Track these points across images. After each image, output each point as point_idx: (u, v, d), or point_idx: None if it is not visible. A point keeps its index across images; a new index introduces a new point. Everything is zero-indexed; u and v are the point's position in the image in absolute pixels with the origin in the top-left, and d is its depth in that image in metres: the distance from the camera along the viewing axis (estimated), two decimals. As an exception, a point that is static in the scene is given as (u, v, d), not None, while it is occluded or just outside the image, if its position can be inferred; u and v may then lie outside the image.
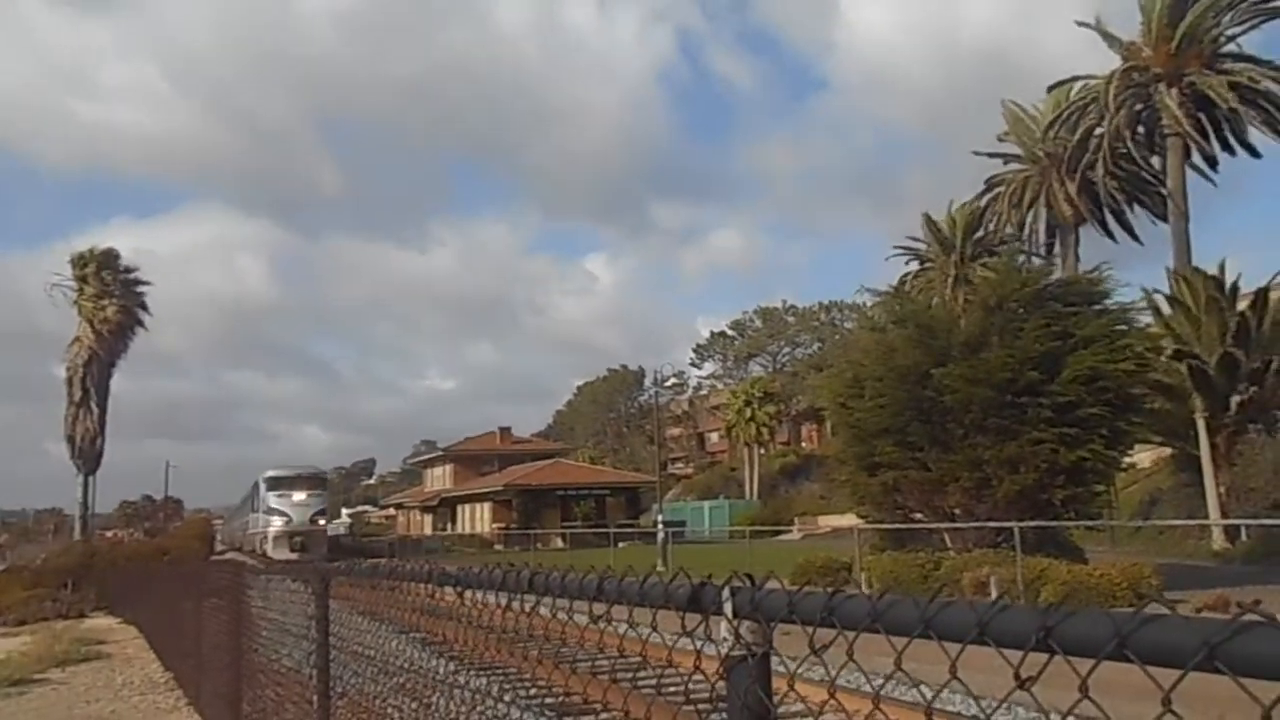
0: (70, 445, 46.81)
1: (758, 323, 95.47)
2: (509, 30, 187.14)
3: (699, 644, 1.68)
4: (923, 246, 52.52)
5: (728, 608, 1.61)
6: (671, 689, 2.12)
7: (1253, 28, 40.04)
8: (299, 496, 45.52)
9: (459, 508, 69.57)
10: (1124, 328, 19.77)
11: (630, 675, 2.00)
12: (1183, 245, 39.29)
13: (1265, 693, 0.92)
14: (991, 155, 49.26)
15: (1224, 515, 25.74)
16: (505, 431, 77.91)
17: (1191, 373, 25.92)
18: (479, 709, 3.06)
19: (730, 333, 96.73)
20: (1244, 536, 25.89)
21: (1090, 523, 20.39)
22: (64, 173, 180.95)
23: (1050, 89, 45.44)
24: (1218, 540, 26.83)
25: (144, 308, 48.58)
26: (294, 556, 36.25)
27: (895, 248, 54.32)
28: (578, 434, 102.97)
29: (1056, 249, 46.56)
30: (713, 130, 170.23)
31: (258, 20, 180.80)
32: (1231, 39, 40.02)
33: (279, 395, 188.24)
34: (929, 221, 51.42)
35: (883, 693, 1.39)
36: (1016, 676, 1.13)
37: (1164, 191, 41.76)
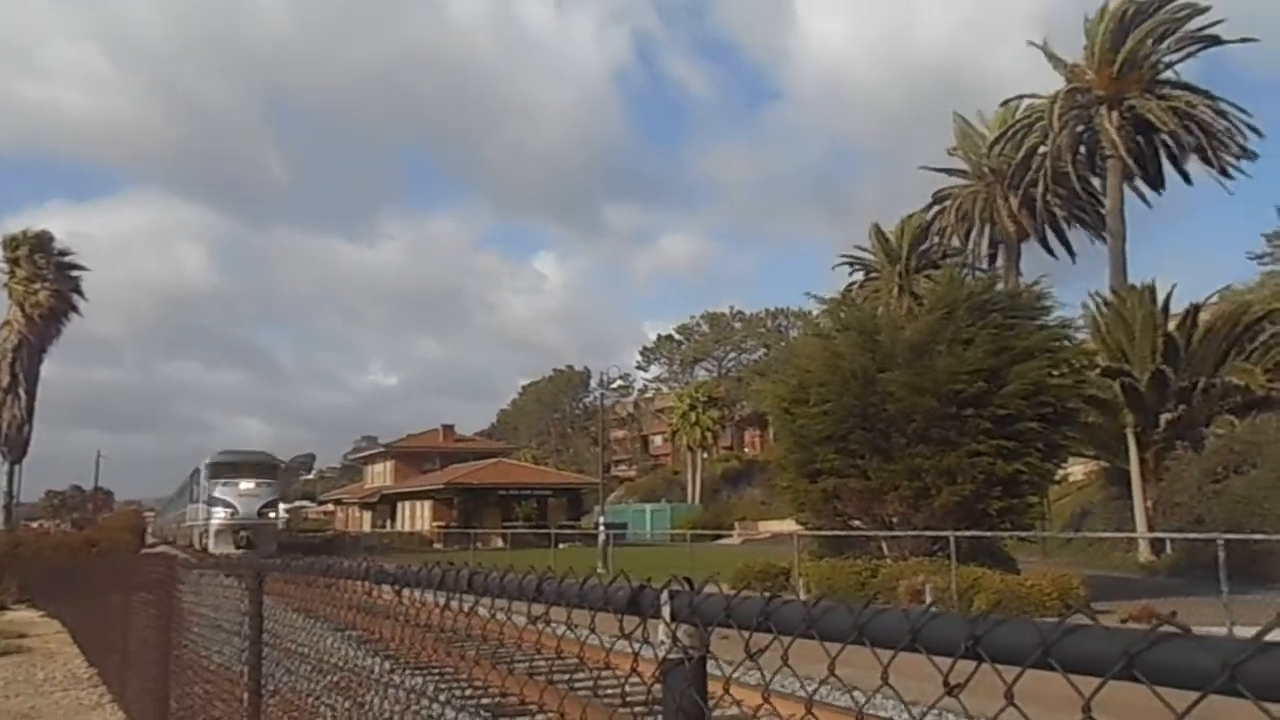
0: (-5, 432, 45.44)
1: (705, 328, 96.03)
2: (465, 23, 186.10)
3: (637, 647, 1.69)
4: (869, 257, 53.28)
5: (666, 611, 1.63)
6: (608, 691, 2.12)
7: (1189, 55, 41.22)
8: (246, 485, 41.13)
9: (399, 505, 68.87)
10: (1065, 343, 20.24)
11: (567, 677, 2.00)
12: (1119, 264, 40.28)
13: (1179, 701, 0.95)
14: (939, 170, 50.16)
15: (1150, 529, 26.43)
16: (448, 429, 77.34)
17: (1124, 389, 26.58)
18: (414, 708, 3.04)
19: (677, 337, 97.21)
20: (1169, 550, 26.61)
21: (1023, 533, 20.79)
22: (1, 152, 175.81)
23: (1002, 105, 46.40)
24: (1144, 553, 27.53)
25: (78, 292, 47.31)
26: (237, 552, 33.78)
27: (842, 257, 55.11)
28: (521, 434, 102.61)
29: (1000, 263, 47.44)
30: (667, 134, 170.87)
31: (205, 1, 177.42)
32: (1169, 66, 41.17)
33: (217, 386, 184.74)
34: (878, 232, 52.17)
35: (816, 697, 1.41)
36: (945, 683, 1.16)
37: (1103, 211, 42.79)
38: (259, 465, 43.44)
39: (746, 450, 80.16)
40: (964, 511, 18.66)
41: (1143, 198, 42.70)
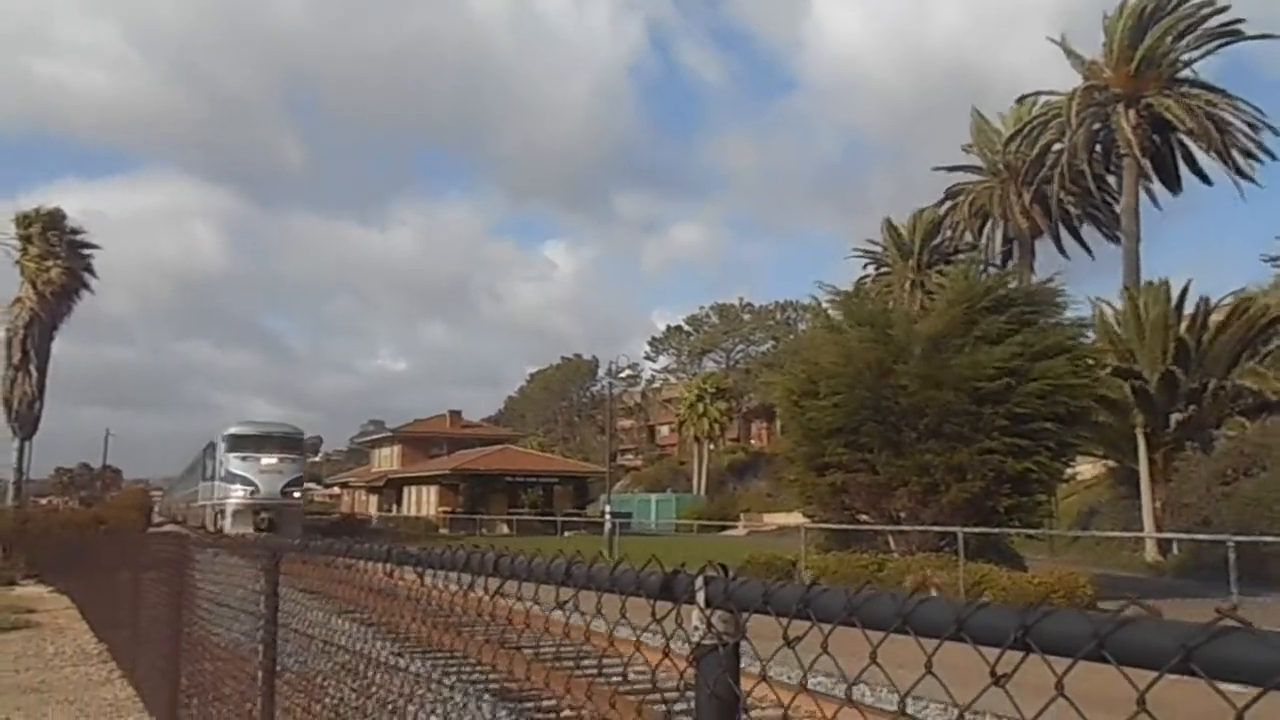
0: (6, 408, 45.58)
1: (714, 319, 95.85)
2: (481, 13, 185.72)
3: (669, 632, 1.69)
4: (881, 250, 53.12)
5: (700, 596, 1.62)
6: (639, 677, 2.12)
7: (1208, 53, 40.95)
8: (269, 461, 36.74)
9: (405, 489, 69.02)
10: (1083, 341, 20.26)
11: (597, 662, 1.99)
12: (1133, 263, 40.09)
13: (1236, 698, 0.94)
14: (952, 169, 49.92)
15: (1158, 529, 26.38)
16: (455, 415, 77.44)
17: (1133, 390, 26.51)
18: (439, 697, 3.04)
19: (686, 328, 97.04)
20: (1175, 550, 26.57)
21: (1031, 531, 20.78)
22: (14, 129, 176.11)
23: (1018, 101, 46.15)
24: (1151, 553, 27.49)
25: (90, 271, 47.36)
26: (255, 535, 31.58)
27: (854, 250, 54.96)
28: (528, 421, 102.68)
29: (1012, 260, 47.28)
30: (680, 124, 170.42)
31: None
32: (1188, 64, 40.89)
33: (227, 367, 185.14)
34: (890, 226, 52.02)
35: (854, 695, 1.40)
36: (992, 673, 1.15)
37: (1117, 210, 42.59)
38: (283, 439, 38.65)
39: (753, 442, 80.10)
40: (973, 508, 18.64)
41: (1154, 198, 42.52)
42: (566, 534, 42.86)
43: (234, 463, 36.68)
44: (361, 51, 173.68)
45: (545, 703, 7.52)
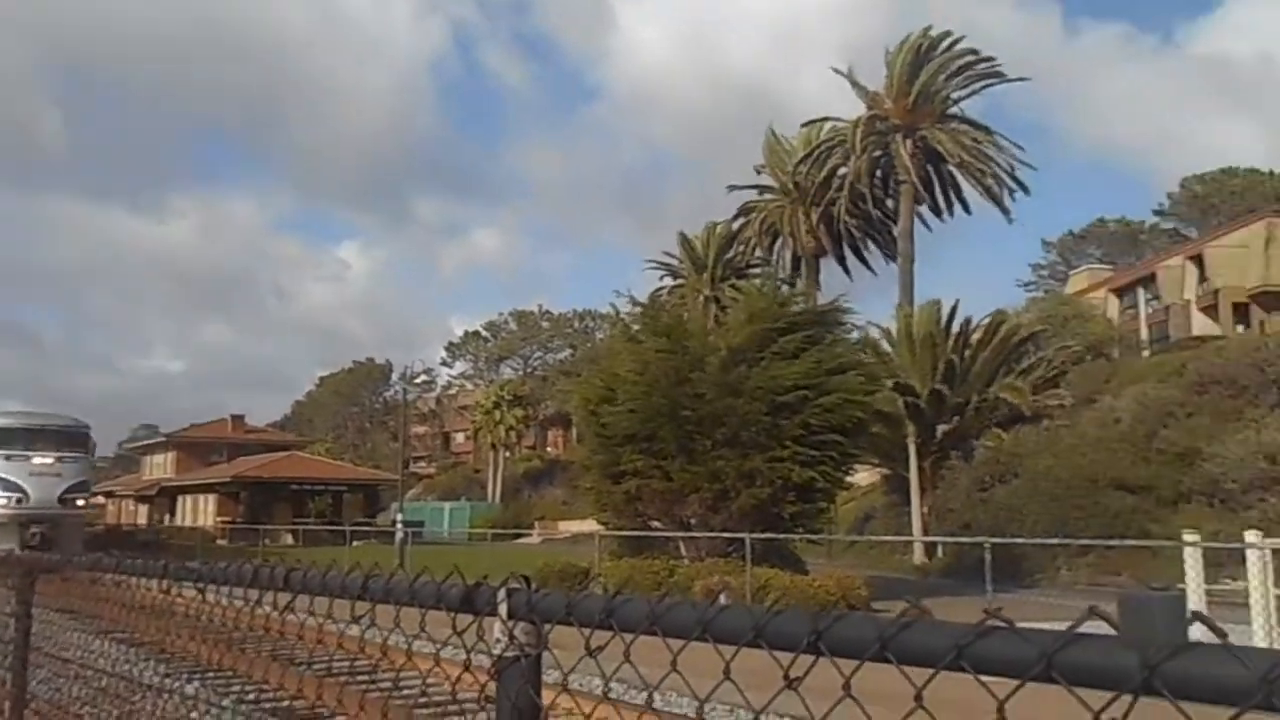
0: None
1: (512, 325, 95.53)
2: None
3: (470, 645, 1.67)
4: (676, 263, 54.52)
5: (503, 609, 1.62)
6: (436, 693, 2.08)
7: (974, 93, 44.65)
8: (42, 460, 30.28)
9: (180, 498, 64.85)
10: (870, 359, 21.59)
11: (393, 677, 1.95)
12: (907, 284, 42.99)
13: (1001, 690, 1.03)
14: (746, 187, 51.89)
15: (925, 533, 28.37)
16: (238, 419, 73.48)
17: (906, 405, 28.46)
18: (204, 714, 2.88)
19: (484, 333, 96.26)
20: (940, 553, 28.66)
21: (813, 536, 21.84)
22: None
23: (804, 125, 48.53)
24: (919, 555, 29.52)
25: None
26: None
27: (650, 262, 56.13)
28: (317, 427, 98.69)
29: (800, 278, 49.60)
30: (482, 128, 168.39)
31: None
32: (956, 101, 44.41)
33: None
34: (684, 240, 53.48)
35: (655, 702, 1.44)
36: (786, 677, 1.21)
37: (895, 232, 45.55)
38: (61, 433, 31.66)
39: (549, 450, 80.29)
40: (760, 514, 19.40)
41: (926, 224, 45.80)
42: (356, 543, 41.44)
43: None
44: (137, 27, 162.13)
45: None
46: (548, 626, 1.58)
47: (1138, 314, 50.16)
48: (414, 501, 66.08)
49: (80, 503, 31.71)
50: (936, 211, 45.71)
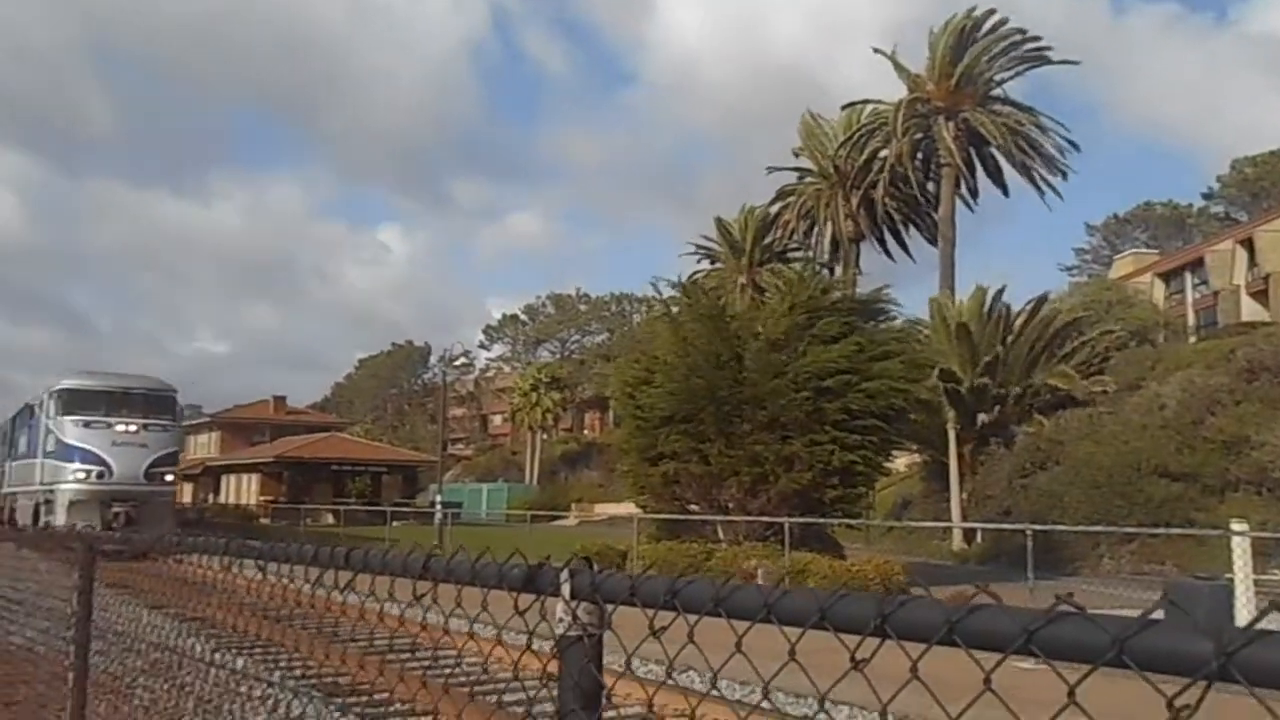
0: None
1: (550, 308, 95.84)
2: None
3: (532, 626, 1.70)
4: (714, 247, 54.36)
5: (566, 589, 1.64)
6: (500, 669, 2.12)
7: (1018, 75, 43.96)
8: (127, 427, 26.10)
9: (224, 477, 65.91)
10: (917, 345, 21.55)
11: (455, 657, 1.99)
12: (948, 269, 42.56)
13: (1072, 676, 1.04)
14: (784, 170, 51.56)
15: (964, 519, 28.17)
16: (280, 401, 74.47)
17: (948, 393, 28.26)
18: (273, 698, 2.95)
19: (522, 316, 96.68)
20: (979, 539, 28.45)
21: (852, 521, 21.78)
22: None
23: (844, 108, 48.07)
24: (957, 541, 29.32)
25: None
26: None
27: (689, 244, 55.99)
28: (357, 408, 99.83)
29: (838, 262, 49.26)
30: (520, 111, 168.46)
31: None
32: (1001, 83, 43.75)
33: (23, 345, 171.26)
34: (720, 224, 53.26)
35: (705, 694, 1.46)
36: (852, 659, 1.22)
37: (936, 216, 45.07)
38: (147, 396, 27.39)
39: (586, 432, 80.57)
40: (799, 499, 19.38)
41: (970, 206, 45.31)
42: (395, 524, 41.89)
43: (71, 430, 25.85)
44: (183, 12, 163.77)
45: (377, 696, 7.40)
46: (610, 607, 1.61)
47: (1185, 299, 49.26)
48: (452, 483, 66.71)
49: (169, 478, 27.38)
50: (976, 194, 45.21)
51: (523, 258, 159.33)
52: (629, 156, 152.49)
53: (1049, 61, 43.42)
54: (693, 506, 21.69)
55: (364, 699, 7.33)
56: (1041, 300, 32.84)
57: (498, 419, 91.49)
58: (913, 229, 47.78)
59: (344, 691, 7.35)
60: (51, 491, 25.70)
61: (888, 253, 48.29)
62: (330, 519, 50.85)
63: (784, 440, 19.45)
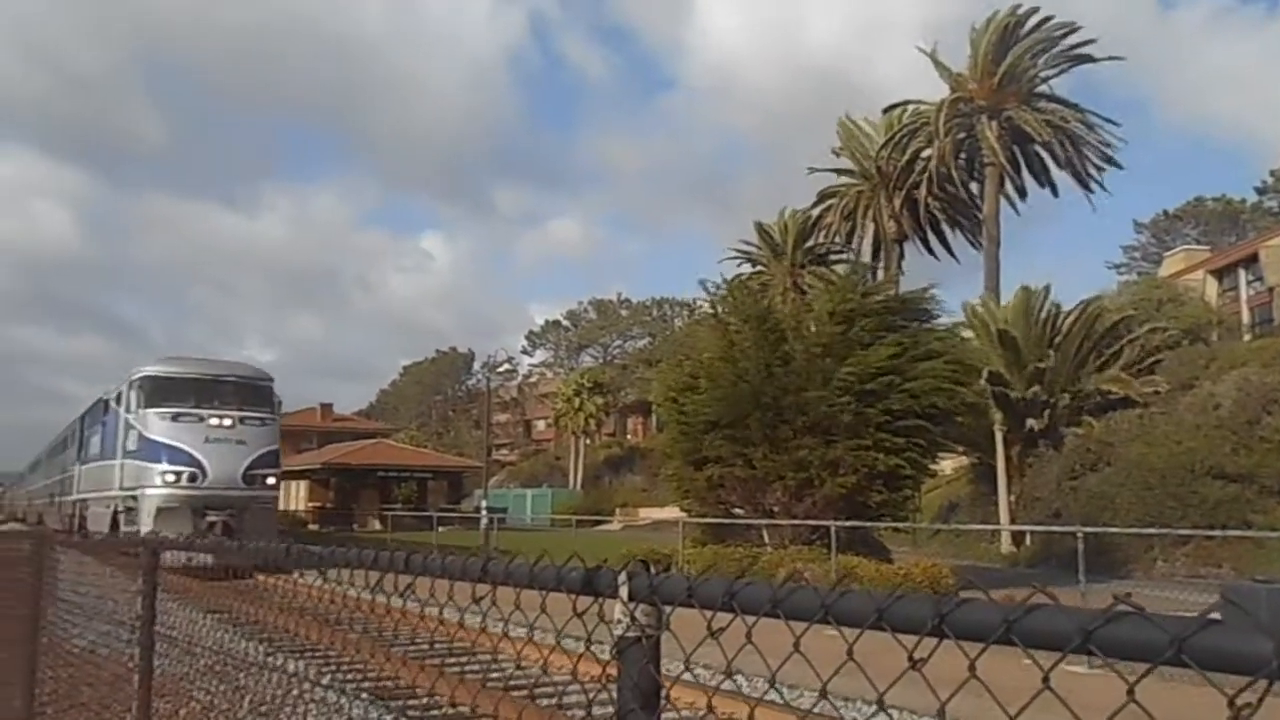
0: None
1: (591, 314, 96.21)
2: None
3: (589, 629, 1.74)
4: (755, 250, 54.19)
5: (624, 591, 1.68)
6: (560, 669, 2.16)
7: (1063, 72, 43.35)
8: (222, 422, 22.68)
9: (273, 484, 66.85)
10: (957, 346, 21.33)
11: (515, 660, 2.03)
12: (993, 269, 42.05)
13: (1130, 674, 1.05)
14: (826, 170, 51.26)
15: (1013, 522, 27.82)
16: (326, 408, 75.48)
17: (995, 398, 27.99)
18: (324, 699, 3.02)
19: (564, 322, 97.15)
20: (1028, 542, 28.06)
21: (898, 524, 21.61)
22: None
23: (885, 110, 47.71)
24: (1006, 544, 28.95)
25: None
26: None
27: (729, 249, 55.87)
28: (402, 415, 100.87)
29: (879, 264, 48.86)
30: (559, 118, 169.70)
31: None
32: (1045, 80, 43.16)
33: (77, 355, 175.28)
34: (760, 227, 53.09)
35: (764, 694, 1.48)
36: (910, 659, 1.24)
37: (980, 216, 44.56)
38: (244, 386, 24.07)
39: (629, 437, 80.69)
40: (845, 502, 19.27)
41: (1014, 206, 44.72)
42: (441, 529, 42.22)
43: (156, 425, 22.22)
44: (228, 26, 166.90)
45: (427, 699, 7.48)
46: (668, 608, 1.64)
47: (1238, 296, 48.18)
48: (497, 488, 67.12)
49: (271, 480, 23.49)
50: (1023, 194, 44.62)
51: (564, 264, 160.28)
52: (668, 161, 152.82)
53: (1094, 59, 42.81)
54: (737, 510, 21.66)
55: (423, 701, 7.41)
56: (1090, 302, 32.40)
57: (541, 424, 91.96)
58: (957, 229, 47.31)
59: (398, 695, 7.46)
60: (134, 497, 22.11)
61: (931, 253, 47.88)
62: (377, 525, 51.43)
63: (828, 444, 19.36)
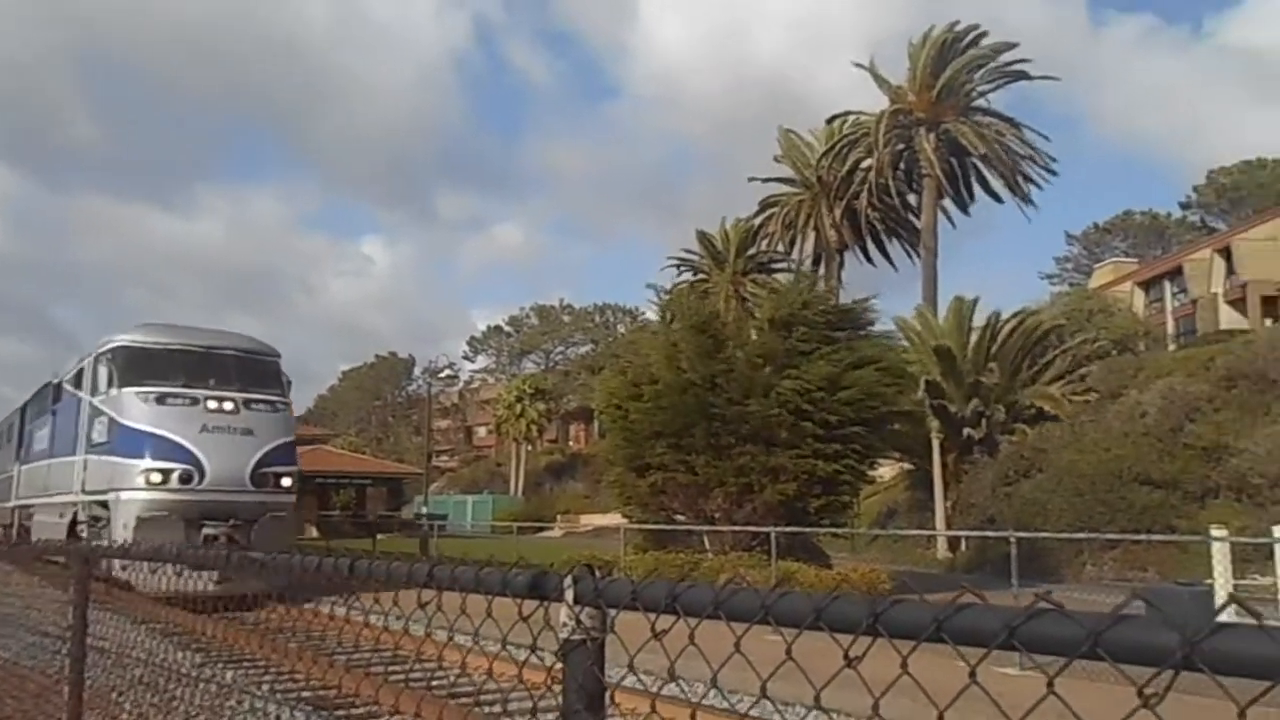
0: None
1: (534, 319, 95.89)
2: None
3: (535, 633, 1.77)
4: (698, 259, 54.51)
5: (569, 594, 1.71)
6: (504, 674, 2.18)
7: (999, 87, 44.41)
8: (220, 405, 17.31)
9: (206, 492, 65.44)
10: (895, 354, 21.69)
11: (460, 665, 2.05)
12: (930, 279, 42.85)
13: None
14: (767, 180, 51.74)
15: (949, 527, 28.33)
16: (263, 413, 74.08)
17: (933, 408, 28.52)
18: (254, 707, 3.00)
19: (506, 327, 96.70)
20: (963, 547, 28.61)
21: (837, 530, 21.88)
22: None
23: (829, 121, 48.38)
24: (942, 550, 29.48)
25: None
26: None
27: (670, 258, 56.09)
28: (340, 420, 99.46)
29: (820, 272, 49.48)
30: (504, 123, 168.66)
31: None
32: (982, 95, 44.16)
33: (4, 358, 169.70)
34: (703, 236, 53.43)
35: (703, 697, 1.53)
36: (845, 656, 1.30)
37: (918, 226, 45.39)
38: (246, 360, 18.78)
39: (571, 444, 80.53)
40: (785, 509, 19.46)
41: (950, 218, 45.64)
42: (380, 536, 41.75)
43: (136, 409, 16.90)
44: (168, 23, 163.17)
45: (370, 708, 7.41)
46: (613, 612, 1.68)
47: (1164, 307, 49.71)
48: (437, 494, 66.54)
49: (287, 481, 18.20)
50: (961, 205, 45.57)
51: (507, 269, 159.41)
52: (614, 168, 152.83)
53: (1029, 76, 43.90)
54: (679, 517, 21.74)
55: (361, 712, 7.34)
56: (1025, 315, 33.20)
57: (482, 431, 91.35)
58: (895, 240, 48.10)
59: (329, 703, 7.37)
60: (103, 504, 16.92)
61: (871, 262, 48.63)
62: (314, 532, 50.63)
63: (769, 451, 19.55)
